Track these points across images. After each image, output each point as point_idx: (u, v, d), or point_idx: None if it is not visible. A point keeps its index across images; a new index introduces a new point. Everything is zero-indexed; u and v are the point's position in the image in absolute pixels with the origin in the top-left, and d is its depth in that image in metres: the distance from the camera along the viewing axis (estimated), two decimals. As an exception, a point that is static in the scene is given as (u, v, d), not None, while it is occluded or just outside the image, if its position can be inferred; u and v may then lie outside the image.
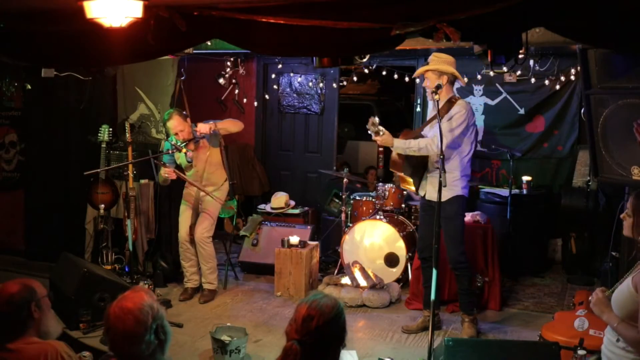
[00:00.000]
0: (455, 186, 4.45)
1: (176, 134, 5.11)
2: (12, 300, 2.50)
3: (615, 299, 2.59)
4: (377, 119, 4.40)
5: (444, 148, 4.05)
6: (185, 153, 5.10)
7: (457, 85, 4.57)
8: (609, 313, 2.59)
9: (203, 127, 5.10)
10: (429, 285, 4.28)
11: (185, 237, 5.31)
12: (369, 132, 4.41)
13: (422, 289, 5.17)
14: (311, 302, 2.13)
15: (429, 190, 4.55)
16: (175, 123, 5.08)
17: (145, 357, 2.15)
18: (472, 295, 4.71)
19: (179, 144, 5.11)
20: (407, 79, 6.92)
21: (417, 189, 4.66)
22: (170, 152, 5.19)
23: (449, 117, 4.35)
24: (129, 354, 2.14)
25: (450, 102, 4.43)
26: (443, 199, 4.39)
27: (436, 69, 4.39)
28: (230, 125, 5.28)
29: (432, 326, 3.73)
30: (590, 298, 2.71)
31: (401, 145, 4.43)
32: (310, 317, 2.08)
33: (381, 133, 4.40)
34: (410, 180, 4.63)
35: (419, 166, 4.58)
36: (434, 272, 3.76)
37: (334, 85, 7.43)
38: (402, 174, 4.71)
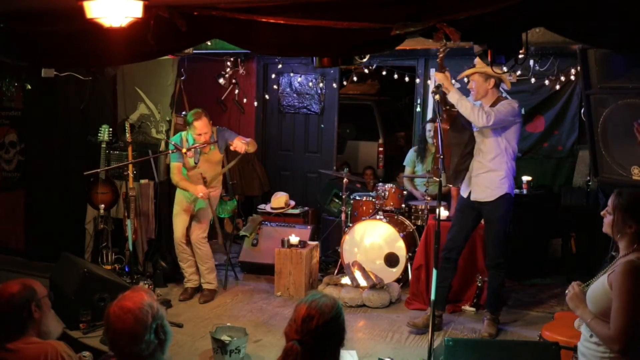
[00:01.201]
0: (503, 184, 4.44)
1: (199, 134, 5.10)
2: (12, 300, 2.50)
3: (590, 296, 2.61)
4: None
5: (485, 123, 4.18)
6: (186, 153, 5.10)
7: (502, 86, 4.57)
8: (584, 309, 2.62)
9: (239, 146, 5.15)
10: (443, 285, 4.38)
11: (181, 239, 5.30)
12: (440, 55, 4.23)
13: (423, 289, 5.18)
14: (310, 302, 2.13)
15: (476, 191, 4.51)
16: (202, 124, 5.07)
17: (145, 357, 2.15)
18: (500, 295, 4.76)
19: (192, 144, 5.11)
20: (407, 79, 6.93)
21: (450, 178, 4.58)
22: (171, 152, 5.19)
23: (501, 108, 4.36)
24: (129, 354, 2.14)
25: (495, 100, 4.44)
26: (489, 198, 4.45)
27: (484, 71, 4.35)
28: (253, 147, 5.33)
29: (432, 326, 3.73)
30: (566, 292, 2.73)
31: (456, 95, 4.29)
32: (310, 317, 2.08)
33: (445, 71, 4.27)
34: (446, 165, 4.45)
35: (458, 147, 4.52)
36: (434, 272, 3.75)
37: (334, 85, 7.43)
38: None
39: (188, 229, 5.32)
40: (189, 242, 5.31)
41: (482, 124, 4.30)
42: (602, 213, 2.73)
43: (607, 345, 2.50)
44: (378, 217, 5.80)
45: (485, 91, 4.43)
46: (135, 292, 2.22)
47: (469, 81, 4.50)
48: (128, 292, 2.23)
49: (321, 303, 2.12)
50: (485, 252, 4.70)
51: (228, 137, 5.33)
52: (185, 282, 5.45)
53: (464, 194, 4.60)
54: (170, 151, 5.19)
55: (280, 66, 7.55)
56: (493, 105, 4.40)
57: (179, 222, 5.32)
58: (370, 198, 6.18)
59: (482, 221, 4.64)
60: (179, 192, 5.37)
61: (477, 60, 4.43)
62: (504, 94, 4.60)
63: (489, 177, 4.45)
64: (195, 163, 5.22)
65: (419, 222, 6.03)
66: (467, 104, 4.30)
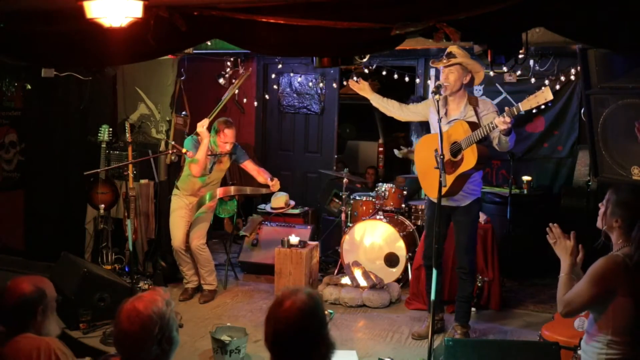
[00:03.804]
0: (477, 188, 4.36)
1: (226, 142, 5.11)
2: (20, 300, 2.53)
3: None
4: None
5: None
6: (186, 153, 5.10)
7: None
8: (565, 261, 2.72)
9: (276, 186, 5.23)
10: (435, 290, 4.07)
11: (180, 246, 5.27)
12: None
13: (423, 289, 5.17)
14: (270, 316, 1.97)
15: (451, 197, 4.30)
16: (232, 133, 5.13)
17: None
18: (470, 304, 4.62)
19: (217, 152, 5.14)
20: (407, 79, 6.93)
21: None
22: (169, 152, 5.19)
23: (494, 110, 4.20)
24: (130, 355, 2.14)
25: (472, 99, 4.25)
26: (463, 203, 4.31)
27: (466, 63, 4.14)
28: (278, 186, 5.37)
29: (432, 326, 3.72)
30: (555, 239, 2.79)
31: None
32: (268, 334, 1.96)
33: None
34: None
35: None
36: (434, 272, 3.75)
37: (334, 85, 7.43)
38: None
39: (187, 235, 5.31)
40: (188, 249, 5.31)
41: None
42: (599, 205, 2.79)
43: (558, 305, 2.64)
44: (378, 217, 5.80)
45: (461, 85, 4.21)
46: (152, 295, 2.18)
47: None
48: (147, 293, 2.20)
49: (282, 318, 1.92)
50: (458, 257, 4.49)
51: (239, 155, 5.36)
52: (185, 283, 5.45)
53: (433, 199, 4.37)
54: (169, 151, 5.18)
55: (280, 66, 7.55)
56: (471, 103, 4.21)
57: (178, 230, 5.28)
58: (370, 198, 6.18)
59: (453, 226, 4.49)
60: (175, 199, 5.34)
61: (454, 49, 4.18)
62: (479, 92, 4.44)
63: (468, 184, 4.28)
64: (210, 171, 5.23)
65: (419, 222, 6.03)
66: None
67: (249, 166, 5.39)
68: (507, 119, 3.84)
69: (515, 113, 3.86)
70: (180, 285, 5.53)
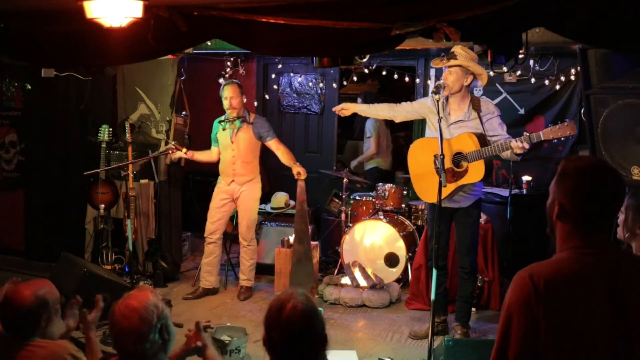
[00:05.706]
0: (478, 189, 4.35)
1: (226, 98, 5.19)
2: (23, 312, 2.51)
3: None
4: None
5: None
6: (185, 153, 5.11)
7: (474, 84, 4.33)
8: None
9: (303, 174, 5.19)
10: (438, 292, 4.00)
11: (210, 236, 5.33)
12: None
13: (423, 289, 5.18)
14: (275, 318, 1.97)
15: (452, 199, 4.29)
16: (232, 88, 5.23)
17: (148, 357, 2.16)
18: (471, 304, 4.61)
19: (228, 118, 5.22)
20: (407, 79, 6.93)
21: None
22: (169, 152, 5.19)
23: (497, 114, 4.21)
24: (133, 353, 2.14)
25: (475, 100, 4.26)
26: (465, 204, 4.31)
27: (467, 65, 4.11)
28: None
29: (432, 325, 3.72)
30: None
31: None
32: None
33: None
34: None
35: None
36: (434, 272, 3.74)
37: (334, 85, 7.43)
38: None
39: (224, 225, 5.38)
40: (218, 240, 5.36)
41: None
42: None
43: None
44: (378, 217, 5.80)
45: (461, 87, 4.18)
46: (141, 291, 2.23)
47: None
48: (134, 291, 2.24)
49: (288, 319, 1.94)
50: (459, 257, 4.48)
51: (266, 129, 5.30)
52: (202, 280, 5.43)
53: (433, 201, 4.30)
54: (171, 151, 5.19)
55: (280, 66, 7.54)
56: (474, 105, 4.20)
57: (221, 216, 5.36)
58: (370, 198, 6.18)
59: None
60: (215, 189, 5.40)
61: (458, 49, 4.14)
62: (479, 92, 4.40)
63: (469, 186, 4.26)
64: (232, 141, 5.22)
65: (419, 222, 6.04)
66: None
67: (274, 145, 5.34)
68: (526, 145, 3.86)
69: (535, 140, 3.86)
70: (181, 285, 5.53)
